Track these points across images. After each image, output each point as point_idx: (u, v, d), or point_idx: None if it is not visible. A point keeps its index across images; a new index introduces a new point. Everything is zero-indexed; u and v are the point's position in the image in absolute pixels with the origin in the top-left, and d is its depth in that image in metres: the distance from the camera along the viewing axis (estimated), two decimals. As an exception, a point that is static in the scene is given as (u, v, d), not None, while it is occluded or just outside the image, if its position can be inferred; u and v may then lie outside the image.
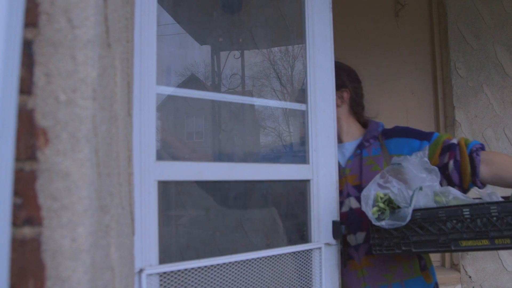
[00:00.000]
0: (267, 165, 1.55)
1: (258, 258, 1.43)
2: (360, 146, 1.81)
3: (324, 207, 1.61)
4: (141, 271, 1.17)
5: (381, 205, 1.43)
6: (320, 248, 1.58)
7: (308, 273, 1.57)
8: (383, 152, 1.77)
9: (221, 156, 1.89)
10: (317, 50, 1.66)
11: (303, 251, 1.55)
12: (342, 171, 1.78)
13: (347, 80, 1.89)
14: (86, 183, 0.67)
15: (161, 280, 1.22)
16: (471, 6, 3.88)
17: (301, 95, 1.68)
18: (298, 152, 1.76)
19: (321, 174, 1.62)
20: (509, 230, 1.32)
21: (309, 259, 1.57)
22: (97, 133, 0.70)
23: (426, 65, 4.00)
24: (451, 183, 1.64)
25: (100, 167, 0.73)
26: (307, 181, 1.60)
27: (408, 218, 1.38)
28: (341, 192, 1.69)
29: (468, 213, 1.36)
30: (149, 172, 1.22)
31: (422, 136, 1.74)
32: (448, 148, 1.65)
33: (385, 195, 1.44)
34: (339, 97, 1.83)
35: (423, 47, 4.01)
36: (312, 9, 1.66)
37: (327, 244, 1.60)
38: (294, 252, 1.53)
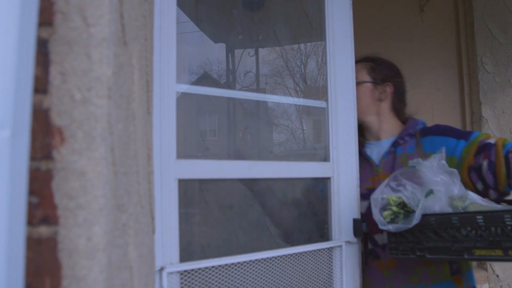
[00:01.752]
0: (288, 162, 1.53)
1: (279, 256, 1.43)
2: (395, 144, 1.77)
3: (344, 205, 1.60)
4: (161, 269, 1.18)
5: (395, 208, 1.39)
6: (341, 246, 1.57)
7: (329, 271, 1.56)
8: (418, 150, 1.71)
9: (240, 154, 1.88)
10: (337, 47, 1.65)
11: (324, 249, 1.55)
12: (375, 169, 1.75)
13: (389, 74, 1.86)
14: (102, 182, 0.67)
15: (181, 278, 1.22)
16: (498, -1, 3.81)
17: (321, 92, 1.67)
18: (318, 150, 1.74)
19: (341, 171, 1.61)
20: None
21: (330, 257, 1.56)
22: (112, 131, 0.70)
23: (452, 61, 3.94)
24: (486, 185, 1.53)
25: (116, 166, 0.72)
26: (328, 178, 1.59)
27: (414, 222, 1.32)
28: (373, 190, 1.58)
29: (482, 220, 1.26)
30: (170, 170, 1.22)
31: (460, 135, 1.66)
32: (484, 148, 1.54)
33: (398, 198, 1.40)
34: (381, 91, 1.81)
35: (448, 42, 3.95)
36: (332, 6, 1.65)
37: (348, 242, 1.59)
38: (315, 250, 1.52)
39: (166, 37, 1.25)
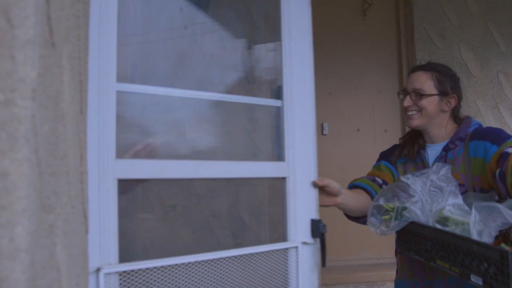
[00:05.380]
0: (238, 162, 1.50)
1: (227, 257, 1.39)
2: (446, 148, 1.86)
3: (301, 205, 1.57)
4: (98, 270, 1.16)
5: (387, 217, 1.64)
6: (296, 247, 1.54)
7: (284, 273, 1.52)
8: (464, 154, 1.79)
9: (188, 154, 1.84)
10: (294, 44, 1.64)
11: (278, 251, 1.51)
12: None
13: (453, 86, 1.91)
14: (25, 183, 0.67)
15: (120, 279, 1.20)
16: (437, 6, 3.95)
17: (278, 91, 1.66)
18: (274, 149, 1.73)
19: (298, 171, 1.58)
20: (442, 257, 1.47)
21: (285, 258, 1.52)
22: (37, 132, 0.70)
23: (393, 64, 4.07)
24: (502, 193, 1.60)
25: (41, 167, 0.73)
26: (283, 178, 1.57)
27: (388, 232, 1.63)
28: None
29: (449, 240, 1.46)
30: (108, 170, 1.21)
31: (496, 140, 1.72)
32: (501, 156, 1.59)
33: (391, 207, 1.65)
34: (446, 102, 1.88)
35: (389, 46, 4.08)
36: (288, 2, 1.65)
37: (305, 243, 1.56)
38: (268, 252, 1.48)
39: (106, 35, 1.23)
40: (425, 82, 1.87)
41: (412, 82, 1.90)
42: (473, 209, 1.45)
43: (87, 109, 1.12)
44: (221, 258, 1.38)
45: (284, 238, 1.55)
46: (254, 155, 1.86)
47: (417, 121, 1.89)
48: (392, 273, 3.76)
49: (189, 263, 1.31)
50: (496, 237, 1.39)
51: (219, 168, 1.44)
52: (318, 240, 1.56)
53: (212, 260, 1.36)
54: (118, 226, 1.23)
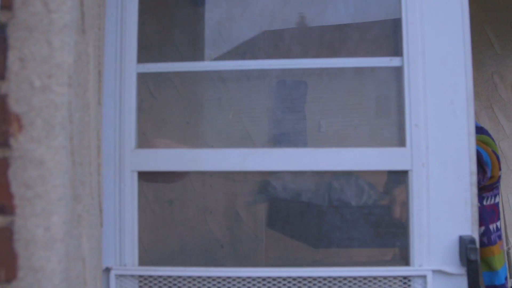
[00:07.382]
0: (310, 150, 1.12)
1: (295, 278, 1.06)
2: None
3: (439, 212, 1.08)
4: (108, 270, 1.07)
5: None
6: (424, 276, 1.06)
7: None
8: None
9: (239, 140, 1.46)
10: None
11: (390, 278, 1.07)
12: None
13: None
14: (61, 171, 0.65)
15: (141, 285, 1.09)
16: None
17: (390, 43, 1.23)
18: (382, 128, 1.32)
19: (432, 161, 1.08)
20: None
21: None
22: (72, 120, 0.69)
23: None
24: None
25: (74, 155, 0.71)
26: (403, 172, 1.10)
27: None
28: None
29: None
30: (125, 161, 1.10)
31: None
32: None
33: None
34: None
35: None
36: None
37: (440, 271, 1.06)
38: (372, 278, 1.07)
39: (127, 14, 1.12)
40: None
41: None
42: None
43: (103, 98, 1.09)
44: (289, 277, 1.07)
45: (405, 261, 1.11)
46: (343, 139, 1.43)
47: None
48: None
49: (230, 278, 1.06)
50: None
51: (280, 157, 1.11)
52: (465, 269, 1.05)
53: (278, 279, 1.06)
54: (142, 225, 1.10)
